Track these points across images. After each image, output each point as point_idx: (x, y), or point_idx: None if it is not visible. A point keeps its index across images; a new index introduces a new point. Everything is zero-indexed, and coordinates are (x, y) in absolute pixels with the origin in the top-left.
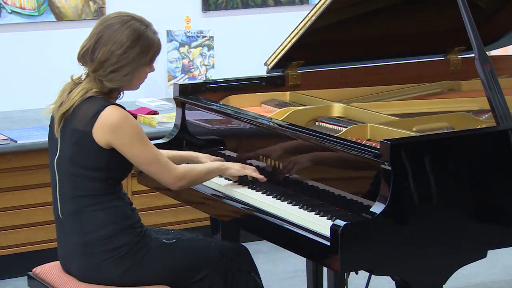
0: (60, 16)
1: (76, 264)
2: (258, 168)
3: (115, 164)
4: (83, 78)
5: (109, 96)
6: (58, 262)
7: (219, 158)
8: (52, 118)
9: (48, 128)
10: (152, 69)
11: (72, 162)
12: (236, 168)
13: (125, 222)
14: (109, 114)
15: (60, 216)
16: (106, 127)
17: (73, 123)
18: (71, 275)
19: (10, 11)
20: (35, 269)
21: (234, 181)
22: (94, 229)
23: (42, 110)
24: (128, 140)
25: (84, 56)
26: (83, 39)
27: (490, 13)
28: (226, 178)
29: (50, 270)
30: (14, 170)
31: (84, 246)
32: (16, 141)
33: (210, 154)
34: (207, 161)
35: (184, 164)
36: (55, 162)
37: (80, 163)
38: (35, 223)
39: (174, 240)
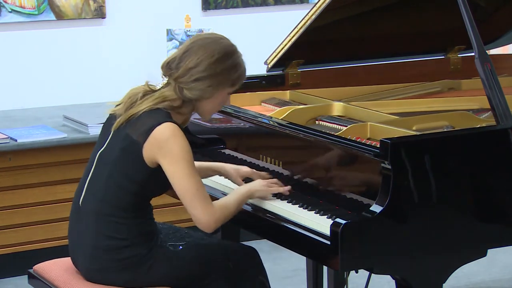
0: (60, 15)
1: (82, 262)
2: (257, 167)
3: (151, 184)
4: (158, 88)
5: (178, 112)
6: (59, 260)
7: (247, 170)
8: (114, 115)
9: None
10: (227, 101)
11: (113, 164)
12: (263, 189)
13: (139, 239)
14: (162, 129)
15: (80, 204)
16: (156, 141)
17: (131, 128)
18: (76, 267)
19: (10, 10)
20: (35, 266)
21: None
22: (106, 237)
23: (42, 109)
24: (173, 158)
25: (170, 64)
26: (84, 38)
27: (490, 12)
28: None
29: (51, 268)
30: (14, 169)
31: (93, 248)
32: (16, 140)
33: (211, 153)
34: (234, 174)
35: (216, 201)
36: (98, 154)
37: (120, 169)
38: (35, 222)
39: (181, 246)
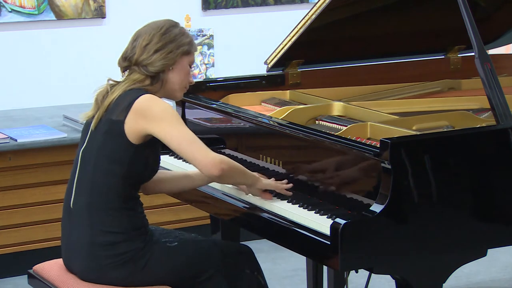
0: (60, 15)
1: (79, 263)
2: (257, 167)
3: (137, 162)
4: (122, 80)
5: (150, 90)
6: (58, 260)
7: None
8: (90, 119)
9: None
10: (190, 76)
11: (97, 152)
12: (270, 182)
13: (133, 231)
14: (141, 100)
15: (71, 206)
16: (138, 112)
17: (110, 113)
18: (71, 272)
19: (10, 10)
20: (35, 266)
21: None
22: (102, 232)
23: (42, 109)
24: (160, 118)
25: (125, 56)
26: (83, 37)
27: (490, 12)
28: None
29: (51, 268)
30: (14, 169)
31: (89, 245)
32: (16, 140)
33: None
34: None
35: None
36: (80, 152)
37: (104, 154)
38: (35, 222)
39: (176, 243)
